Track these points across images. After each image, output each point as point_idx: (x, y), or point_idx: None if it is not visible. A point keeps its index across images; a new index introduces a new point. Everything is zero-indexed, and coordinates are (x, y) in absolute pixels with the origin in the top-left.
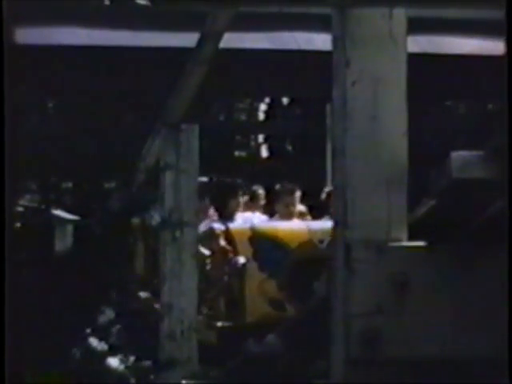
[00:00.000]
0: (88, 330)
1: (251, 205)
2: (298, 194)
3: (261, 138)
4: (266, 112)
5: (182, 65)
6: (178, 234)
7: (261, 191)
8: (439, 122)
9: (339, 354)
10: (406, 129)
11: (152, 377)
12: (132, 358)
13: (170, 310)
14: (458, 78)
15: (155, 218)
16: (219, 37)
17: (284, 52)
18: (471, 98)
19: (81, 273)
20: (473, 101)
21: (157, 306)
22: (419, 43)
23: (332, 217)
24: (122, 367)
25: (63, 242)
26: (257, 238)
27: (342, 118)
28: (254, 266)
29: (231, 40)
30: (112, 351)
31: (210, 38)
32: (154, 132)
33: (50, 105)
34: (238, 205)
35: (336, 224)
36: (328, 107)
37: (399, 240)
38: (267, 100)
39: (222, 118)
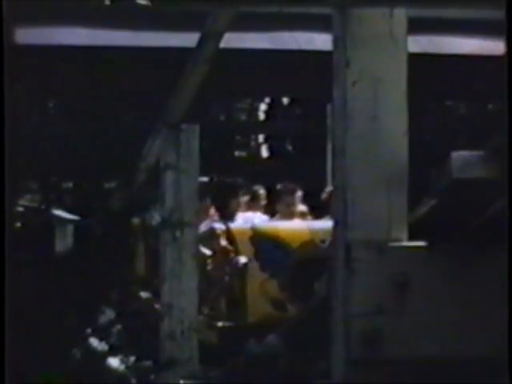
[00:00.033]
0: (88, 330)
1: (252, 205)
2: (298, 193)
3: (261, 137)
4: (267, 112)
5: (183, 65)
6: (178, 234)
7: (262, 191)
8: (439, 122)
9: (340, 353)
10: (407, 129)
11: (152, 377)
12: (132, 358)
13: (171, 310)
14: (458, 77)
15: (155, 218)
16: (219, 37)
17: (284, 52)
18: (471, 97)
19: (81, 273)
20: (473, 101)
21: (157, 306)
22: (419, 43)
23: (332, 217)
24: (122, 367)
25: (63, 241)
26: (258, 237)
27: (343, 117)
28: (255, 265)
29: (231, 40)
30: (112, 351)
31: (210, 37)
32: (155, 132)
33: (51, 105)
34: (238, 205)
35: (336, 224)
36: (328, 107)
37: (399, 240)
38: (267, 100)
39: (222, 118)
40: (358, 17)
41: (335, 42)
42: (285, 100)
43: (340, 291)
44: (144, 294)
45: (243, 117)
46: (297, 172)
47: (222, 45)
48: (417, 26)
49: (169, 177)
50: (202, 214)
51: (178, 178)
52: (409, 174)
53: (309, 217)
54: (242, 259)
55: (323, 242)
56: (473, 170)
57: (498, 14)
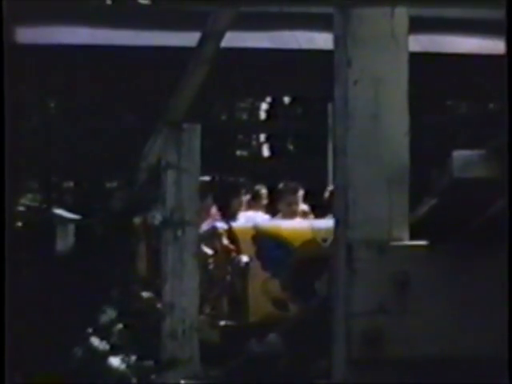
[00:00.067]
0: (89, 330)
1: (254, 204)
2: (300, 192)
3: (262, 137)
4: (268, 111)
5: (184, 64)
6: (179, 233)
7: (263, 191)
8: (440, 122)
9: (341, 353)
10: (408, 128)
11: (153, 376)
12: (133, 358)
13: (172, 310)
14: (459, 77)
15: (157, 218)
16: (220, 36)
17: (285, 51)
18: (473, 97)
19: (82, 272)
20: (474, 100)
21: (159, 305)
22: (421, 42)
23: (333, 216)
24: (123, 367)
25: (64, 241)
26: (260, 236)
27: (344, 117)
28: (257, 264)
29: (232, 39)
30: (113, 351)
31: (211, 37)
32: (156, 131)
33: (51, 104)
34: (240, 204)
35: (337, 223)
36: (329, 106)
37: (400, 239)
38: (268, 99)
39: (223, 117)
40: (359, 16)
41: (336, 41)
42: (286, 99)
43: (341, 290)
44: (145, 294)
45: (244, 116)
46: (298, 171)
47: (223, 44)
48: (418, 26)
49: (170, 176)
50: (204, 214)
51: (180, 177)
52: (410, 174)
53: (310, 216)
54: (244, 258)
55: (325, 241)
56: (474, 170)
57: (499, 13)
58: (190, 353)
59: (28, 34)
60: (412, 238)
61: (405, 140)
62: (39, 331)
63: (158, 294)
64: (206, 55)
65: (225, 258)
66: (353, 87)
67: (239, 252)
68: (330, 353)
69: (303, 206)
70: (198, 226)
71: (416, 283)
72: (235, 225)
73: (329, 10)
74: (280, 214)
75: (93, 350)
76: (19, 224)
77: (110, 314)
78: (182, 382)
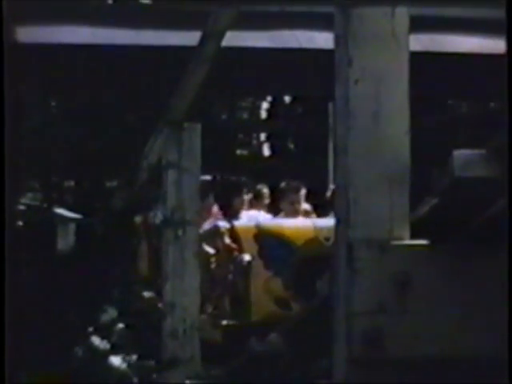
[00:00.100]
0: (90, 329)
1: (256, 203)
2: (303, 191)
3: (263, 136)
4: (268, 110)
5: (184, 63)
6: (180, 232)
7: (265, 190)
8: (441, 121)
9: (341, 352)
10: (409, 127)
11: (154, 376)
12: (134, 357)
13: (173, 309)
14: (460, 76)
15: (158, 217)
16: (221, 36)
17: (285, 51)
18: (474, 96)
19: (83, 271)
20: (475, 99)
21: (160, 305)
22: (421, 41)
23: (334, 215)
24: (124, 366)
25: (65, 240)
26: (262, 235)
27: (345, 116)
28: (259, 263)
29: (233, 39)
30: (114, 350)
31: (211, 36)
32: (157, 131)
33: (52, 103)
34: (242, 203)
35: (338, 223)
36: (330, 106)
37: (401, 239)
38: (269, 99)
39: (224, 116)
40: (360, 15)
41: (337, 40)
42: (286, 99)
43: (342, 290)
44: (146, 293)
45: (245, 115)
46: (298, 170)
47: (224, 44)
48: (419, 25)
49: (171, 175)
50: (205, 213)
51: (180, 176)
52: (410, 173)
53: (312, 215)
54: (246, 257)
55: (328, 239)
56: (475, 169)
57: (499, 12)
58: (191, 352)
59: (28, 34)
60: (413, 237)
61: (405, 139)
62: (39, 331)
63: (159, 293)
64: (206, 54)
65: (227, 257)
66: (353, 86)
67: (241, 251)
68: (330, 352)
69: (305, 205)
70: (198, 225)
71: (417, 283)
72: (237, 224)
73: (329, 9)
74: (282, 213)
75: (93, 350)
76: (20, 223)
77: (110, 313)
78: (187, 381)
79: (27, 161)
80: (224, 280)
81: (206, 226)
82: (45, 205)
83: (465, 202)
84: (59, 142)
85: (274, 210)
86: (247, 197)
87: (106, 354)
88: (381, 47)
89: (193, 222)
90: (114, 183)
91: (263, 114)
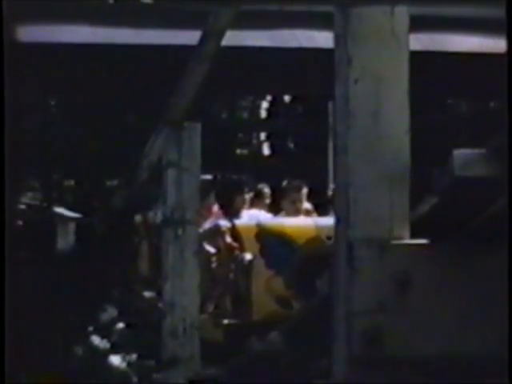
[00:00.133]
0: (90, 328)
1: (257, 202)
2: (304, 190)
3: (263, 135)
4: (268, 110)
5: (184, 63)
6: (180, 232)
7: (266, 189)
8: (441, 120)
9: (341, 352)
10: (408, 127)
11: (154, 375)
12: (134, 356)
13: (173, 308)
14: (460, 76)
15: (158, 216)
16: (221, 35)
17: (285, 50)
18: (474, 96)
19: (83, 270)
20: (475, 99)
21: (159, 304)
22: (421, 41)
23: (334, 215)
24: (124, 365)
25: (65, 239)
26: (263, 234)
27: (344, 115)
28: (260, 262)
29: (233, 38)
30: (114, 349)
31: (211, 36)
32: (157, 130)
33: (52, 103)
34: (243, 202)
35: (338, 222)
36: (330, 105)
37: (401, 238)
38: (269, 98)
39: (223, 115)
40: (360, 14)
41: (336, 39)
42: (286, 98)
43: (342, 289)
44: (146, 293)
45: (245, 115)
46: (298, 170)
47: (224, 43)
48: (418, 24)
49: (171, 175)
50: (206, 212)
51: (180, 175)
52: (411, 172)
53: (313, 214)
54: (248, 256)
55: (329, 238)
56: (475, 168)
57: (499, 11)
58: (191, 352)
59: (28, 33)
60: (413, 236)
61: (405, 138)
62: (39, 331)
63: (159, 292)
64: (206, 54)
65: (228, 256)
66: (353, 86)
67: (243, 250)
68: (330, 352)
69: (306, 204)
70: (198, 224)
71: (417, 282)
72: (238, 223)
73: (329, 8)
74: (283, 212)
75: (93, 349)
76: (20, 223)
77: (110, 312)
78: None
79: (27, 160)
80: (225, 279)
81: (207, 225)
82: (45, 204)
83: (465, 201)
84: (59, 142)
85: (275, 209)
86: (248, 196)
87: (105, 354)
88: (381, 46)
89: (193, 222)
90: (114, 183)
91: (263, 114)
